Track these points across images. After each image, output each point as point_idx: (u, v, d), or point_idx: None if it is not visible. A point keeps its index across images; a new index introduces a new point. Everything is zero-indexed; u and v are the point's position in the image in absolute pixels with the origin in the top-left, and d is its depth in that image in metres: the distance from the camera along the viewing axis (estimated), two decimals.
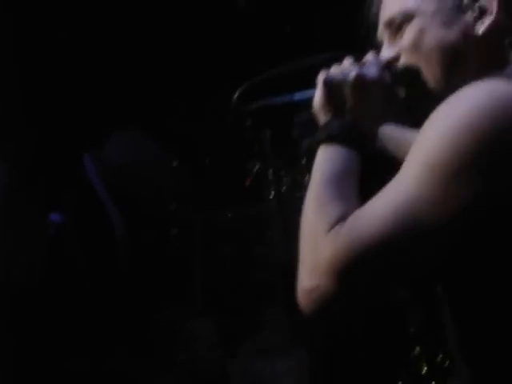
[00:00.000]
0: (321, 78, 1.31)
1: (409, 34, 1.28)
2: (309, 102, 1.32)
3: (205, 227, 3.41)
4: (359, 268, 1.07)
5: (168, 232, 3.26)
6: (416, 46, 1.27)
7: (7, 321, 2.30)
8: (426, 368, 3.03)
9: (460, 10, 1.25)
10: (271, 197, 3.56)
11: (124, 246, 2.54)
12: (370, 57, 1.32)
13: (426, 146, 1.11)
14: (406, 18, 1.28)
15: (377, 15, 1.34)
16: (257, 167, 3.61)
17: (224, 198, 3.48)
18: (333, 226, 1.11)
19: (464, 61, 1.25)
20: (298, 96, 1.36)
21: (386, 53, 1.33)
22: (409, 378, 3.02)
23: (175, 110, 3.23)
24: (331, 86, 1.28)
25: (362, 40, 1.37)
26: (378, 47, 1.35)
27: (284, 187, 3.56)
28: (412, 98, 1.29)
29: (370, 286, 1.09)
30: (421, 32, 1.27)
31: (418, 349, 2.95)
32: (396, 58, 1.31)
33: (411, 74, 1.29)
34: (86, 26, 3.03)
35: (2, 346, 2.24)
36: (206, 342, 2.53)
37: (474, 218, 1.09)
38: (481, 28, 1.25)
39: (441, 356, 2.92)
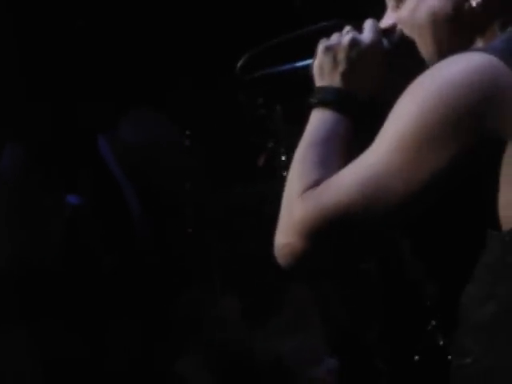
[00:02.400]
0: (320, 45, 1.33)
1: (407, 4, 1.30)
2: (310, 69, 1.34)
3: (219, 205, 3.43)
4: (324, 231, 1.15)
5: (183, 211, 3.28)
6: (412, 16, 1.29)
7: (24, 302, 2.33)
8: (442, 341, 3.04)
9: None
10: (284, 173, 3.57)
11: (140, 225, 2.56)
12: (368, 23, 1.33)
13: (397, 118, 1.15)
14: None
15: None
16: (269, 144, 3.61)
17: (238, 176, 3.48)
18: (306, 190, 1.18)
19: (456, 34, 1.26)
20: (300, 64, 1.38)
21: (386, 20, 1.34)
22: (425, 351, 3.04)
23: (187, 89, 3.24)
24: (326, 51, 1.30)
25: (367, 8, 1.38)
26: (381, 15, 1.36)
27: None
28: (406, 67, 1.29)
29: (335, 249, 1.17)
30: (417, 3, 1.28)
31: (433, 322, 2.96)
32: (394, 27, 1.32)
33: (406, 44, 1.30)
34: (97, 9, 3.04)
35: (19, 327, 2.27)
36: (230, 322, 2.56)
37: (437, 191, 1.13)
38: (475, 0, 1.25)
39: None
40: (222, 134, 3.42)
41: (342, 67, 1.29)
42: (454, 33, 1.26)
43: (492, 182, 1.12)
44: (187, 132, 3.23)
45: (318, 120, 1.27)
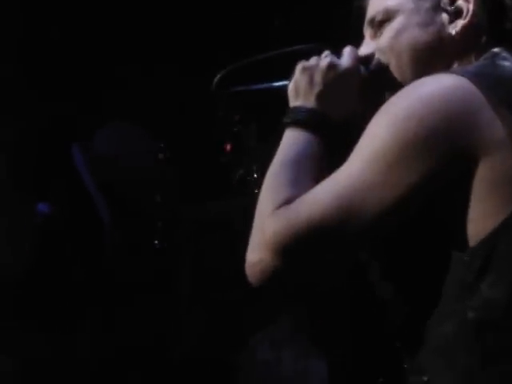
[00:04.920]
0: (298, 66, 1.35)
1: (386, 33, 1.32)
2: (286, 89, 1.35)
3: (191, 220, 3.43)
4: (296, 247, 1.15)
5: (153, 224, 3.27)
6: (391, 45, 1.32)
7: None
8: (406, 364, 3.05)
9: (437, 10, 1.30)
10: (256, 190, 3.58)
11: (111, 236, 2.56)
12: (347, 49, 1.36)
13: (371, 136, 1.17)
14: (387, 17, 1.32)
15: (365, 10, 1.37)
16: (243, 161, 3.62)
17: (210, 191, 3.49)
18: (278, 208, 1.19)
19: (434, 61, 1.29)
20: (277, 84, 1.40)
21: (364, 49, 1.37)
22: (389, 372, 3.05)
23: (164, 104, 3.24)
24: (303, 71, 1.32)
25: (347, 34, 1.40)
26: (360, 42, 1.38)
27: None
28: (383, 94, 1.32)
29: (306, 265, 1.17)
30: (397, 32, 1.31)
31: (398, 344, 2.96)
32: (372, 56, 1.35)
33: (383, 72, 1.33)
34: (79, 22, 3.04)
35: None
36: (199, 335, 2.55)
37: (409, 207, 1.15)
38: (454, 30, 1.28)
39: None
40: (196, 149, 3.43)
41: (317, 89, 1.31)
42: (433, 60, 1.29)
43: (460, 200, 1.14)
44: (162, 145, 3.23)
45: (291, 139, 1.29)
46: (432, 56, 1.29)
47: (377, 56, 1.34)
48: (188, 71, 3.12)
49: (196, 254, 3.26)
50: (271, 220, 1.18)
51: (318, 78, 1.31)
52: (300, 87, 1.32)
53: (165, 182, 3.21)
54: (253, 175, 3.62)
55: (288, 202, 1.19)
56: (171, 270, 3.13)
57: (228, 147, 3.51)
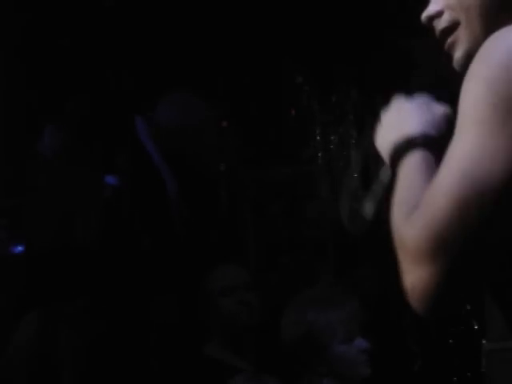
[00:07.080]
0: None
1: None
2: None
3: (254, 186, 3.44)
4: (445, 245, 1.04)
5: (218, 192, 3.29)
6: (461, 1, 1.26)
7: (65, 280, 2.38)
8: (476, 326, 3.03)
9: None
10: (319, 155, 3.57)
11: (177, 206, 2.58)
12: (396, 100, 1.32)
13: (467, 104, 1.12)
14: None
15: None
16: (304, 125, 3.61)
17: (273, 157, 3.49)
18: (409, 215, 1.09)
19: (506, 13, 1.23)
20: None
21: (433, 7, 1.32)
22: (459, 335, 3.03)
23: (226, 72, 3.24)
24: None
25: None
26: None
27: (332, 145, 3.56)
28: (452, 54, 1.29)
29: (462, 260, 1.04)
30: None
31: (468, 306, 2.94)
32: (440, 13, 1.30)
33: (453, 31, 1.28)
34: None
35: (66, 301, 2.31)
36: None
37: None
38: None
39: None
40: (258, 115, 3.43)
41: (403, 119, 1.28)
42: (504, 13, 1.25)
43: None
44: (225, 113, 3.24)
45: (405, 166, 1.21)
46: (503, 9, 1.24)
47: (446, 12, 1.30)
48: (251, 37, 3.10)
49: (260, 220, 3.28)
50: (406, 228, 1.07)
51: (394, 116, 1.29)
52: (390, 127, 1.28)
53: (228, 151, 3.22)
54: (316, 138, 3.61)
55: (416, 206, 1.09)
56: (237, 237, 3.15)
57: (292, 111, 3.50)
